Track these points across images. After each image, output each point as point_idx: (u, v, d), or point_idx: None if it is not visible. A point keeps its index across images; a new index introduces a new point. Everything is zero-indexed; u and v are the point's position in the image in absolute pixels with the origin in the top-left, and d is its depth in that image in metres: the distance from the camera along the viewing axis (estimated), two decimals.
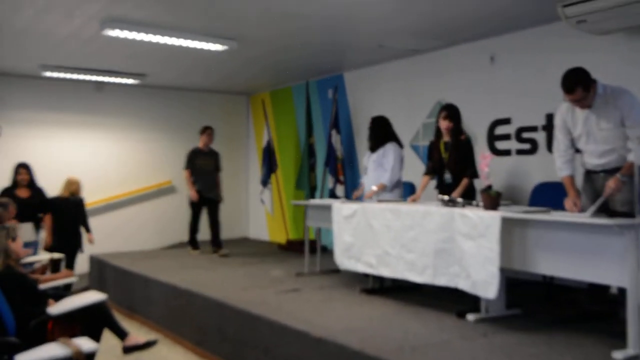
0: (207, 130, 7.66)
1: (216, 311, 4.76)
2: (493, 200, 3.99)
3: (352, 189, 6.91)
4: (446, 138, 5.11)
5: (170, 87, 9.29)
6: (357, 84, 7.94)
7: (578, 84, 3.82)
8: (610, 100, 3.87)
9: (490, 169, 4.16)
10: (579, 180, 4.26)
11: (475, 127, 6.27)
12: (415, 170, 6.54)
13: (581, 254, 3.38)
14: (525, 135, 5.79)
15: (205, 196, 7.56)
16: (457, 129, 5.08)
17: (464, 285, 3.98)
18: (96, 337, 4.04)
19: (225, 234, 9.65)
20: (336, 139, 7.76)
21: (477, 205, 4.18)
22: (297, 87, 8.90)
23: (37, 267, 4.78)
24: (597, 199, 3.59)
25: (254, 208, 10.06)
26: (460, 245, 3.99)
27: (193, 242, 7.79)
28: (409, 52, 6.85)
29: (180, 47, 6.19)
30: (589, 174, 4.16)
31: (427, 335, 3.67)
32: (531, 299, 4.59)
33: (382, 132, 5.73)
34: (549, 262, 3.60)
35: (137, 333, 5.81)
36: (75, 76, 7.94)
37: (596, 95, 3.91)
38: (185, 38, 5.92)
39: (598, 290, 3.98)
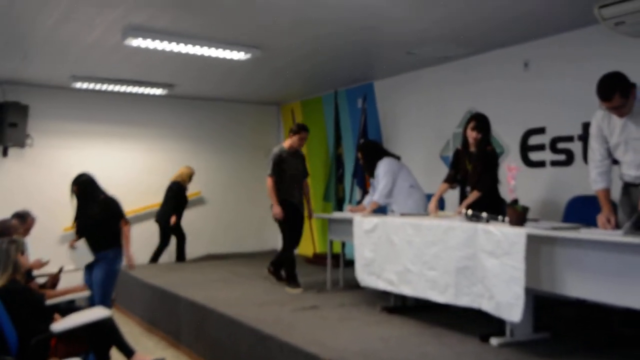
0: (301, 132, 6.02)
1: (229, 328, 4.59)
2: (519, 216, 3.70)
3: None
4: (472, 148, 4.84)
5: (199, 98, 9.25)
6: (386, 92, 7.72)
7: (615, 90, 3.49)
8: None
9: (517, 181, 3.88)
10: (617, 195, 3.93)
11: (508, 137, 5.98)
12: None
13: (613, 275, 3.07)
14: (561, 145, 5.46)
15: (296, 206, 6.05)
16: (484, 140, 4.81)
17: (487, 306, 3.69)
18: (103, 355, 3.95)
19: (255, 246, 9.55)
20: (360, 157, 7.52)
21: (503, 221, 3.90)
22: (327, 96, 8.73)
23: (48, 280, 4.71)
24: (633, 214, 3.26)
25: None
26: (484, 264, 3.72)
27: (293, 277, 5.83)
28: (439, 59, 6.60)
29: (203, 56, 6.10)
30: (627, 187, 3.81)
31: None
32: (562, 321, 4.27)
33: (374, 155, 5.62)
34: (578, 284, 3.30)
35: (156, 347, 5.75)
36: (105, 87, 7.96)
37: (635, 100, 3.57)
38: (208, 47, 5.83)
39: (635, 313, 3.64)
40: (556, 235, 3.36)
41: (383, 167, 5.46)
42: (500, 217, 3.93)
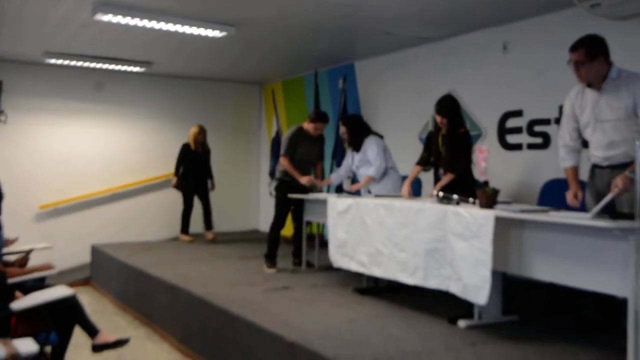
0: (317, 123, 5.84)
1: (199, 308, 4.55)
2: (489, 198, 3.67)
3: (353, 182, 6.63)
4: (444, 132, 4.81)
5: (179, 76, 9.10)
6: (367, 73, 7.64)
7: (583, 45, 3.55)
8: (623, 86, 3.49)
9: (493, 164, 3.85)
10: (585, 176, 3.90)
11: (486, 120, 5.93)
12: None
13: (580, 259, 3.05)
14: (537, 128, 5.43)
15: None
16: (453, 122, 4.76)
17: (455, 288, 3.68)
18: (66, 334, 3.89)
19: (236, 226, 9.54)
20: (344, 131, 7.45)
21: (474, 203, 3.87)
22: (308, 77, 8.63)
23: (18, 259, 4.62)
24: (602, 198, 3.23)
25: (265, 200, 9.84)
26: (453, 246, 3.69)
27: (271, 256, 5.80)
28: (418, 40, 6.51)
29: (177, 33, 5.96)
30: (594, 168, 3.77)
31: (409, 342, 3.39)
32: (532, 305, 4.27)
33: (360, 130, 5.60)
34: (545, 267, 3.28)
35: (128, 326, 5.71)
36: (80, 64, 7.81)
37: (609, 78, 3.55)
38: (182, 24, 5.68)
39: (604, 298, 3.63)
40: (523, 218, 3.34)
41: (377, 145, 5.46)
42: (471, 200, 3.90)
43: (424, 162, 5.03)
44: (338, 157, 7.46)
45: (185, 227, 8.23)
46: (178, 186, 8.11)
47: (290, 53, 7.49)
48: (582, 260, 3.05)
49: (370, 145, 5.48)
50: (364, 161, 5.53)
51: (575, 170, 3.82)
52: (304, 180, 5.70)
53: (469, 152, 4.71)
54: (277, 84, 9.46)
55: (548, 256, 3.25)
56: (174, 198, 9.12)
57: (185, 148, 8.09)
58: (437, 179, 4.94)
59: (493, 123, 5.84)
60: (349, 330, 3.61)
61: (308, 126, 5.87)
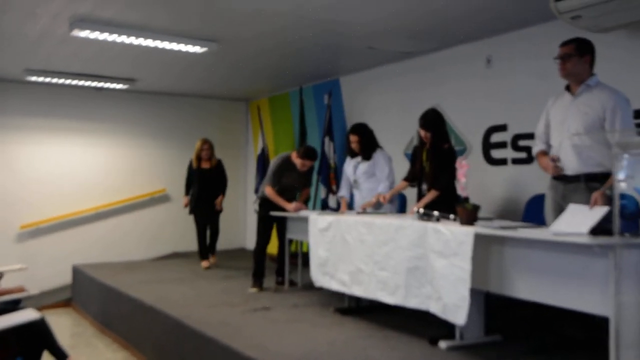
0: (305, 160, 5.64)
1: (176, 331, 4.42)
2: (469, 215, 3.57)
3: None
4: (428, 146, 4.72)
5: (163, 93, 9.01)
6: (352, 88, 7.58)
7: (575, 40, 3.68)
8: (598, 96, 3.53)
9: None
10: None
11: (471, 135, 5.86)
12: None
13: (560, 277, 2.95)
14: (522, 143, 5.35)
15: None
16: (437, 137, 4.68)
17: (435, 308, 3.57)
18: (35, 359, 3.75)
19: (222, 244, 9.38)
20: (329, 147, 7.39)
21: (455, 220, 3.77)
22: (294, 92, 8.56)
23: None
24: (561, 210, 3.21)
25: (252, 218, 9.70)
26: (433, 264, 3.58)
27: (253, 275, 5.72)
28: (402, 55, 6.46)
29: (157, 49, 5.89)
30: (552, 179, 3.79)
31: None
32: (516, 323, 4.15)
33: (373, 139, 5.40)
34: (526, 285, 3.17)
35: (107, 349, 5.56)
36: (62, 81, 7.72)
37: (586, 84, 3.62)
38: (161, 40, 5.61)
39: (587, 316, 3.53)
40: (502, 235, 3.24)
41: (388, 162, 5.30)
42: (451, 216, 3.80)
43: (410, 178, 4.93)
44: (323, 175, 7.36)
45: (201, 252, 7.34)
46: (189, 209, 7.33)
47: (275, 69, 7.42)
48: (562, 278, 2.94)
49: (382, 161, 5.27)
50: (370, 174, 5.31)
51: (546, 152, 3.88)
52: (290, 207, 5.53)
53: (453, 167, 4.60)
54: (264, 100, 9.39)
55: (528, 274, 3.15)
56: (160, 216, 9.02)
57: (189, 166, 7.42)
58: (420, 194, 4.85)
59: (478, 138, 5.77)
60: (327, 353, 3.49)
61: (296, 160, 5.68)
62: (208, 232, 7.36)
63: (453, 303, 3.38)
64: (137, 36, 5.49)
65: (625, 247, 2.63)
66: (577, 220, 2.96)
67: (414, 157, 4.96)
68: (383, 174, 5.23)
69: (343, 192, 5.61)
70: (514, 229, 3.31)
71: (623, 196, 2.62)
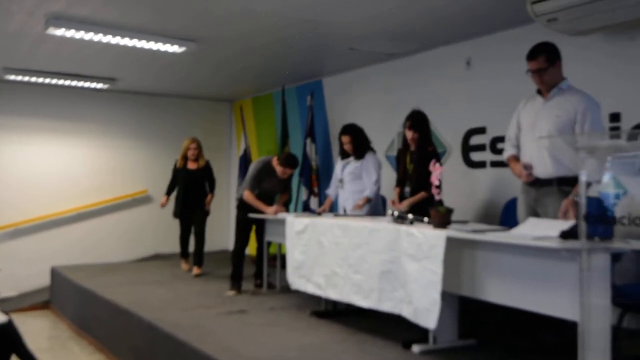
0: (285, 168, 5.54)
1: (149, 334, 4.36)
2: (442, 218, 3.54)
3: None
4: (413, 148, 4.70)
5: (145, 93, 8.93)
6: (334, 89, 7.55)
7: (543, 51, 3.65)
8: (569, 100, 3.55)
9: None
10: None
11: (450, 137, 5.84)
12: (389, 181, 6.09)
13: (530, 281, 2.93)
14: (500, 145, 5.31)
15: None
16: (423, 139, 4.66)
17: (406, 312, 3.53)
18: None
19: (206, 246, 9.35)
20: (311, 148, 7.35)
21: (429, 223, 3.74)
22: (277, 93, 8.51)
23: None
24: (534, 213, 3.33)
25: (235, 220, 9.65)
26: (405, 267, 3.55)
27: (231, 278, 5.65)
28: (383, 56, 6.44)
29: (135, 48, 5.83)
30: (524, 184, 3.80)
31: None
32: (490, 327, 4.12)
33: (365, 139, 5.38)
34: (497, 289, 3.15)
35: (82, 352, 5.49)
36: (41, 80, 7.63)
37: (558, 88, 3.65)
38: (139, 39, 5.56)
39: (560, 320, 3.51)
40: (472, 238, 3.21)
41: (378, 164, 5.26)
42: (425, 219, 3.78)
43: (402, 183, 4.89)
44: (305, 176, 7.32)
45: (182, 252, 7.12)
46: (174, 212, 6.98)
47: (257, 70, 7.37)
48: (531, 282, 2.93)
49: (372, 166, 5.22)
50: (356, 175, 5.28)
51: (517, 158, 3.89)
52: (270, 210, 5.45)
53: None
54: (247, 101, 9.34)
55: (499, 278, 3.13)
56: (141, 218, 8.94)
57: (174, 166, 7.01)
58: (402, 196, 4.83)
59: (457, 140, 5.76)
60: (298, 358, 3.45)
61: (277, 166, 5.55)
62: (192, 237, 7.00)
63: (424, 307, 3.35)
64: (114, 35, 5.43)
65: (593, 251, 2.61)
66: (546, 225, 2.94)
67: (399, 160, 4.94)
68: (371, 180, 5.21)
69: (330, 190, 5.59)
70: (486, 232, 3.28)
71: (589, 200, 2.59)
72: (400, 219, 3.87)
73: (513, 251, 3.01)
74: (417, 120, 4.72)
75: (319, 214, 5.22)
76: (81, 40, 5.58)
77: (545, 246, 2.72)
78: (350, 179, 5.33)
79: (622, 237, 2.69)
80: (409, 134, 4.71)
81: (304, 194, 7.33)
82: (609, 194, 2.47)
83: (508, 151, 3.98)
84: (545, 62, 3.62)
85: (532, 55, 3.68)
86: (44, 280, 7.75)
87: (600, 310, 2.63)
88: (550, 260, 2.81)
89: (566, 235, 2.88)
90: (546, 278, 2.84)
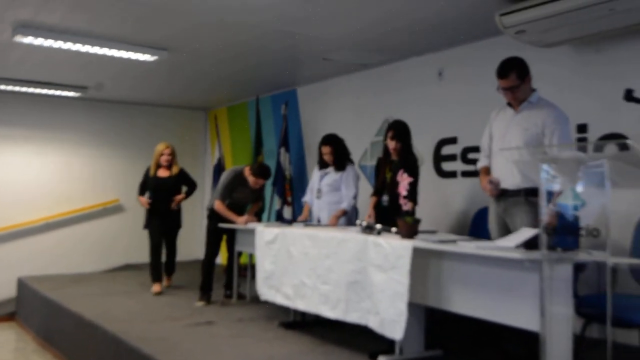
0: (258, 178, 5.50)
1: (113, 347, 4.27)
2: (410, 228, 3.54)
3: (300, 212, 6.39)
4: (394, 157, 4.68)
5: (118, 101, 8.83)
6: (309, 99, 7.54)
7: (513, 69, 3.62)
8: (538, 112, 3.57)
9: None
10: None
11: (422, 147, 5.83)
12: (362, 191, 6.07)
13: (493, 291, 2.93)
14: (471, 155, 5.36)
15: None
16: (406, 148, 4.65)
17: (373, 323, 3.51)
18: None
19: (179, 256, 9.22)
20: (284, 158, 7.31)
21: (397, 233, 3.73)
22: (251, 102, 8.48)
23: None
24: (503, 224, 3.34)
25: None
26: (372, 278, 3.53)
27: (201, 289, 5.54)
28: (357, 66, 6.44)
29: (105, 56, 5.75)
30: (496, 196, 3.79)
31: None
32: (457, 338, 4.11)
33: (345, 150, 5.37)
34: (462, 300, 3.15)
35: None
36: (9, 87, 7.50)
37: (528, 101, 3.67)
38: (109, 47, 5.49)
39: (526, 331, 3.51)
40: (436, 248, 3.21)
41: (356, 176, 5.26)
42: (393, 229, 3.76)
43: (378, 192, 4.86)
44: (279, 186, 7.28)
45: (153, 273, 6.21)
46: (144, 223, 6.46)
47: (232, 79, 7.33)
48: (495, 293, 2.93)
49: (351, 180, 5.20)
50: (335, 187, 5.24)
51: (489, 169, 3.91)
52: (241, 220, 5.40)
53: (418, 180, 4.57)
54: (222, 110, 9.29)
55: (464, 288, 3.12)
56: (113, 227, 8.81)
57: (145, 173, 6.43)
58: (379, 205, 4.78)
59: (429, 150, 5.77)
60: None
61: (249, 176, 5.49)
62: (164, 251, 6.41)
63: (390, 318, 3.33)
64: (84, 43, 5.36)
65: (555, 262, 2.61)
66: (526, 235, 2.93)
67: (378, 169, 4.91)
68: (350, 193, 5.18)
69: (307, 198, 5.54)
70: (453, 242, 3.27)
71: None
72: (369, 229, 3.86)
73: (478, 262, 3.00)
74: (400, 131, 4.69)
75: (301, 222, 5.19)
76: (50, 48, 5.50)
77: (507, 257, 2.72)
78: (329, 190, 5.30)
79: (585, 249, 2.71)
80: (392, 144, 4.66)
81: (277, 204, 7.29)
82: (567, 205, 2.47)
83: (481, 162, 4.00)
84: (516, 80, 3.61)
85: (503, 73, 3.64)
86: (10, 291, 7.58)
87: (562, 320, 2.63)
88: (513, 271, 2.82)
89: (530, 245, 2.90)
90: (509, 289, 2.84)
